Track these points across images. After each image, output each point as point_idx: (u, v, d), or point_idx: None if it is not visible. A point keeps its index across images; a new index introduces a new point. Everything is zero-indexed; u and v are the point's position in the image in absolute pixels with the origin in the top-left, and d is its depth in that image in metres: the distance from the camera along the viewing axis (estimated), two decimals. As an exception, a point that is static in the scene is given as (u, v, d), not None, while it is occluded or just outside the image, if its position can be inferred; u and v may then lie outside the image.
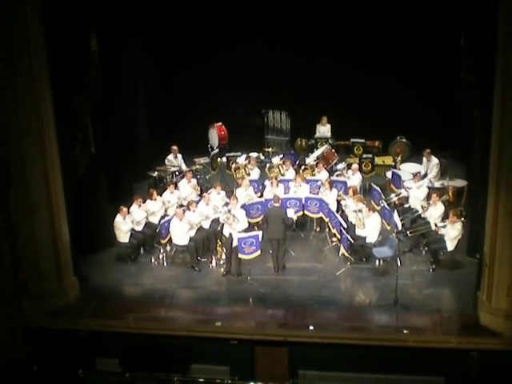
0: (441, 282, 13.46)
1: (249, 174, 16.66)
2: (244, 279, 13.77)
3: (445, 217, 14.10)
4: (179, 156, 17.51)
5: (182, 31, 18.76)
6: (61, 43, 12.56)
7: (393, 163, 17.52)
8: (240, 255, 13.59)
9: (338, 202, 15.28)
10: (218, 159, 18.15)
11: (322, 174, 16.27)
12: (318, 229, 15.52)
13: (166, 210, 15.33)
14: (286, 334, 12.13)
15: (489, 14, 11.41)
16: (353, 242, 13.90)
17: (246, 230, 14.08)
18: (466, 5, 13.38)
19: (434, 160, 16.56)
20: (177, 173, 17.02)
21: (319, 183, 15.61)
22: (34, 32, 11.79)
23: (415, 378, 11.83)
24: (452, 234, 13.52)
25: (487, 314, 11.97)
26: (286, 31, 18.25)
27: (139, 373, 12.11)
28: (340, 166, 16.81)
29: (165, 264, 14.55)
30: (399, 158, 17.61)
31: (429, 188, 15.35)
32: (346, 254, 14.04)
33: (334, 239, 14.69)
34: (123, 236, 14.49)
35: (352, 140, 18.67)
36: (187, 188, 15.98)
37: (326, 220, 14.94)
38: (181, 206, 15.26)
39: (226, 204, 14.75)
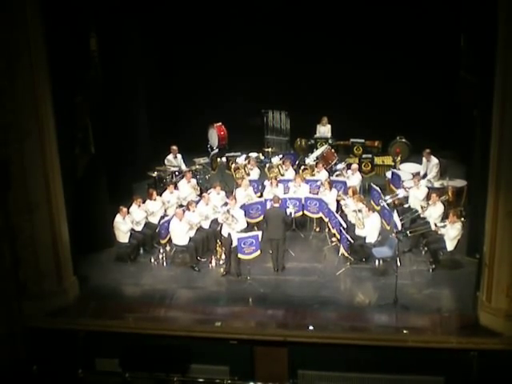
0: (440, 282, 13.46)
1: (248, 174, 16.65)
2: (244, 279, 13.76)
3: (444, 217, 14.10)
4: (179, 156, 17.50)
5: (182, 31, 18.75)
6: (61, 43, 12.57)
7: (392, 163, 17.51)
8: (240, 255, 13.59)
9: (338, 202, 15.27)
10: (218, 159, 18.14)
11: (322, 174, 16.27)
12: (317, 229, 15.52)
13: (165, 210, 15.32)
14: (285, 334, 12.13)
15: (489, 13, 11.41)
16: (352, 242, 13.90)
17: (244, 230, 14.08)
18: (466, 5, 13.39)
19: (434, 160, 16.55)
20: (176, 173, 17.01)
21: (319, 183, 15.61)
22: (34, 32, 11.79)
23: (415, 378, 11.83)
24: (452, 233, 13.52)
25: (487, 314, 11.97)
26: (286, 31, 18.23)
27: (139, 373, 12.10)
28: (340, 166, 16.80)
29: (164, 264, 14.55)
30: (399, 158, 17.61)
31: (428, 188, 15.35)
32: (346, 254, 14.04)
33: (334, 239, 14.69)
34: (123, 236, 14.49)
35: (352, 140, 18.66)
36: (187, 188, 15.98)
37: (326, 220, 14.94)
38: (180, 206, 15.26)
39: (225, 204, 14.75)
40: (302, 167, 16.95)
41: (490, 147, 11.75)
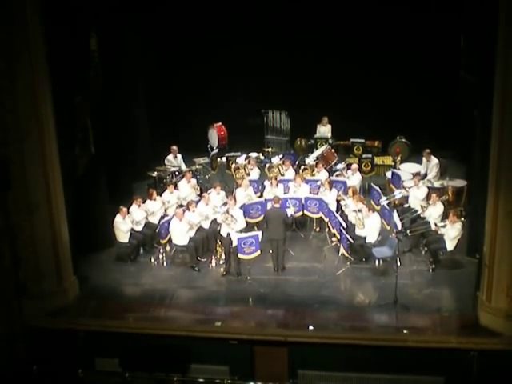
0: (440, 282, 13.46)
1: (248, 174, 16.65)
2: (244, 279, 13.76)
3: (444, 217, 14.10)
4: (179, 156, 17.50)
5: (182, 31, 18.75)
6: (60, 43, 12.57)
7: (392, 163, 17.51)
8: (240, 255, 13.59)
9: (338, 201, 15.27)
10: (218, 159, 18.14)
11: (322, 174, 16.27)
12: (317, 229, 15.51)
13: (165, 210, 15.32)
14: (285, 333, 12.13)
15: (489, 13, 11.41)
16: (352, 241, 13.90)
17: (244, 230, 14.08)
18: (466, 5, 13.39)
19: (434, 160, 16.56)
20: (176, 173, 17.02)
21: (319, 183, 15.61)
22: (34, 32, 11.79)
23: (415, 378, 11.84)
24: (452, 233, 13.52)
25: (487, 313, 11.97)
26: (286, 31, 18.23)
27: (139, 373, 12.11)
28: (340, 166, 16.80)
29: (164, 264, 14.55)
30: (399, 158, 17.61)
31: (428, 188, 15.35)
32: (346, 254, 14.04)
33: (334, 239, 14.69)
34: (123, 236, 14.49)
35: (352, 140, 18.66)
36: (187, 188, 15.98)
37: (326, 220, 14.94)
38: (180, 206, 15.26)
39: (224, 204, 14.75)
40: (302, 167, 16.94)
41: (490, 147, 11.74)
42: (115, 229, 14.48)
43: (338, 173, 16.61)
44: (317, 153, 17.61)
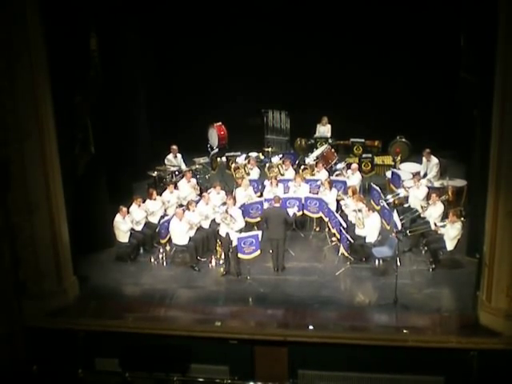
0: (440, 282, 13.46)
1: (248, 174, 16.66)
2: (243, 279, 13.77)
3: (444, 216, 14.10)
4: (179, 156, 17.50)
5: (182, 31, 18.75)
6: (60, 43, 12.56)
7: (392, 163, 17.52)
8: (240, 255, 13.59)
9: (338, 201, 15.28)
10: (218, 159, 18.15)
11: (322, 174, 16.27)
12: (317, 228, 15.52)
13: (165, 210, 15.33)
14: (285, 333, 12.14)
15: (488, 13, 11.41)
16: (352, 241, 13.90)
17: (244, 230, 14.08)
18: (466, 4, 13.38)
19: (434, 160, 16.56)
20: (176, 172, 17.02)
21: (319, 183, 15.61)
22: (34, 32, 11.79)
23: (415, 378, 11.84)
24: (452, 233, 13.52)
25: (487, 313, 11.97)
26: (285, 31, 18.23)
27: (139, 373, 12.10)
28: (340, 165, 16.80)
29: (164, 264, 14.55)
30: (399, 158, 17.61)
31: (428, 188, 15.35)
32: (346, 254, 14.05)
33: (334, 239, 14.70)
34: (123, 236, 14.49)
35: (352, 140, 18.65)
36: (187, 188, 15.98)
37: (326, 220, 14.94)
38: (180, 205, 15.26)
39: (223, 204, 14.74)
40: (302, 167, 16.95)
41: (490, 147, 11.74)
42: (115, 228, 14.48)
43: (337, 172, 16.62)
44: (317, 152, 17.62)
